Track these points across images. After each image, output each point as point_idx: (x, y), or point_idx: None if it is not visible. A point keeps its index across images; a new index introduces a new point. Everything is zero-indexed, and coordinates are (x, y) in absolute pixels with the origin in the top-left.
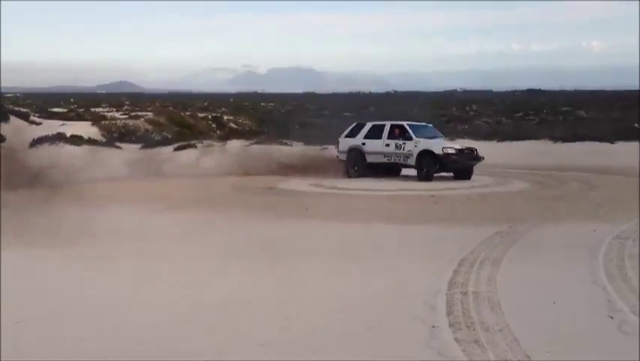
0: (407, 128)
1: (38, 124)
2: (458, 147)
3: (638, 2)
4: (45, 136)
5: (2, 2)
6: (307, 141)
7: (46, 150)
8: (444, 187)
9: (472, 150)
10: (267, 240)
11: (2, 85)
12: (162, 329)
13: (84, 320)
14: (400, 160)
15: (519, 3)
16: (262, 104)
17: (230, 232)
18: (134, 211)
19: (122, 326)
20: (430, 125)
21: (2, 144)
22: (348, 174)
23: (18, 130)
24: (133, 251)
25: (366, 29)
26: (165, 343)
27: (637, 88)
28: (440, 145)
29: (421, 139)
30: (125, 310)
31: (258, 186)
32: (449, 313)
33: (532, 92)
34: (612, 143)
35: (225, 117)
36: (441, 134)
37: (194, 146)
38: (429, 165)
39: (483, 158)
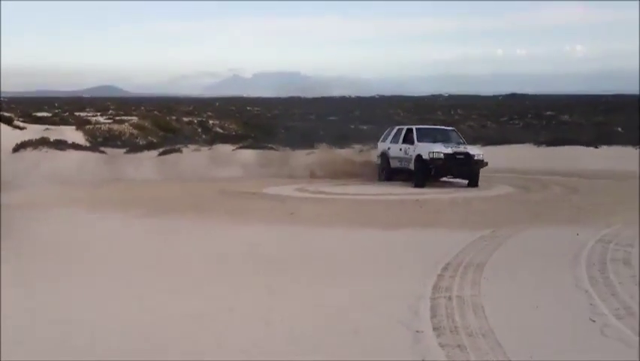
0: (414, 131)
1: (22, 129)
2: (448, 151)
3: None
4: (28, 140)
5: None
6: (294, 146)
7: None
8: (432, 192)
9: (466, 155)
10: (251, 245)
11: None
12: (141, 338)
13: (60, 329)
14: (407, 165)
15: (503, 8)
16: (248, 108)
17: (213, 237)
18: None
19: (99, 335)
20: (451, 128)
21: None
22: (379, 178)
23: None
24: (110, 259)
25: (351, 34)
26: (145, 352)
27: (619, 92)
28: (430, 150)
29: (420, 143)
30: (104, 319)
31: (242, 191)
32: (433, 317)
33: (516, 97)
34: (596, 147)
35: (211, 122)
36: (459, 140)
37: (179, 150)
38: (418, 171)
39: (486, 163)
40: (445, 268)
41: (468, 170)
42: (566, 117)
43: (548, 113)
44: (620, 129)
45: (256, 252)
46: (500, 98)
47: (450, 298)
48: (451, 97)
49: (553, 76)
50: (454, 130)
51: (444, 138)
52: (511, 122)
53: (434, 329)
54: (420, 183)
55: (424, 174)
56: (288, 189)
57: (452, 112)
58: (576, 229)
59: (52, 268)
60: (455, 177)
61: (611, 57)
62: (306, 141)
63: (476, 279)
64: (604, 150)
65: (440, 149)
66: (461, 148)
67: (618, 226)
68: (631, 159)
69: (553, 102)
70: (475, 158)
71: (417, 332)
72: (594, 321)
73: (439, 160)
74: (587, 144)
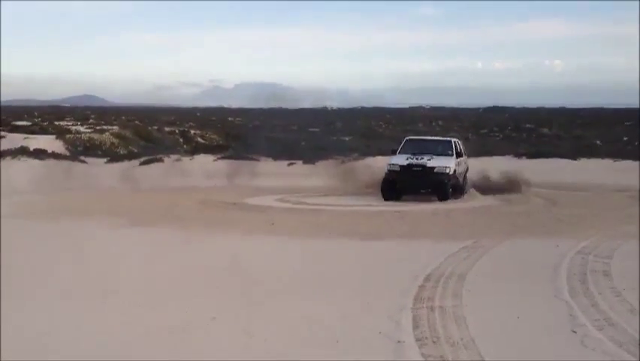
0: (402, 143)
1: (1, 137)
2: (404, 162)
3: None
4: (7, 150)
5: None
6: (275, 156)
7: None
8: (410, 204)
9: (423, 167)
10: (232, 256)
11: None
12: (122, 351)
13: (40, 342)
14: None
15: (483, 22)
16: (229, 118)
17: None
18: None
19: (80, 347)
20: (447, 139)
21: None
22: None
23: None
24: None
25: (332, 46)
26: None
27: (596, 106)
28: (390, 161)
29: (396, 155)
30: (83, 331)
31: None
32: (415, 327)
33: (496, 109)
34: (575, 160)
35: (192, 132)
36: (447, 151)
37: (160, 160)
38: (382, 183)
39: (457, 176)
40: (427, 279)
41: (430, 183)
42: (545, 130)
43: (528, 125)
44: (598, 142)
45: (236, 263)
46: (481, 110)
47: (432, 308)
48: (433, 108)
49: (533, 89)
50: (449, 141)
51: (430, 149)
52: (491, 134)
53: (417, 339)
54: (385, 196)
55: (387, 186)
56: (268, 200)
57: (433, 123)
58: (556, 240)
59: (30, 280)
60: (419, 191)
61: (588, 71)
62: (287, 151)
63: (458, 290)
64: (583, 162)
65: (398, 160)
66: (422, 160)
67: (597, 238)
68: (610, 171)
69: (532, 115)
70: (436, 170)
71: (398, 342)
72: (575, 332)
73: (394, 172)
74: (567, 157)
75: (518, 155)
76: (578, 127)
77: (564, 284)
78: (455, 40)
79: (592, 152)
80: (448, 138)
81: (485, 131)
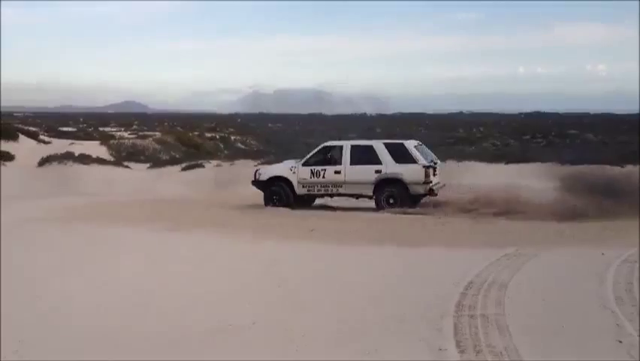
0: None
1: (47, 143)
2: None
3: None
4: (54, 155)
5: (12, 23)
6: None
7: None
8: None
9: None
10: (270, 261)
11: (12, 105)
12: (161, 352)
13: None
14: None
15: (523, 27)
16: (269, 124)
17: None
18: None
19: (118, 344)
20: (369, 144)
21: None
22: None
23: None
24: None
25: (370, 53)
26: None
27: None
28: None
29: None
30: (125, 328)
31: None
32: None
33: (538, 115)
34: (622, 167)
35: (232, 137)
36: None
37: (202, 165)
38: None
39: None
40: (467, 287)
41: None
42: (590, 136)
43: (572, 131)
44: None
45: (275, 268)
46: (522, 116)
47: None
48: (473, 115)
49: (577, 95)
50: (370, 146)
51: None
52: (534, 140)
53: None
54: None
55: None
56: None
57: (474, 129)
58: (602, 248)
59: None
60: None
61: (633, 76)
62: None
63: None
64: (629, 169)
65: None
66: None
67: None
68: None
69: (576, 121)
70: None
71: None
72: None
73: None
74: (613, 163)
75: (562, 161)
76: (623, 133)
77: (610, 293)
78: (496, 45)
79: (638, 158)
80: (370, 143)
81: (528, 137)
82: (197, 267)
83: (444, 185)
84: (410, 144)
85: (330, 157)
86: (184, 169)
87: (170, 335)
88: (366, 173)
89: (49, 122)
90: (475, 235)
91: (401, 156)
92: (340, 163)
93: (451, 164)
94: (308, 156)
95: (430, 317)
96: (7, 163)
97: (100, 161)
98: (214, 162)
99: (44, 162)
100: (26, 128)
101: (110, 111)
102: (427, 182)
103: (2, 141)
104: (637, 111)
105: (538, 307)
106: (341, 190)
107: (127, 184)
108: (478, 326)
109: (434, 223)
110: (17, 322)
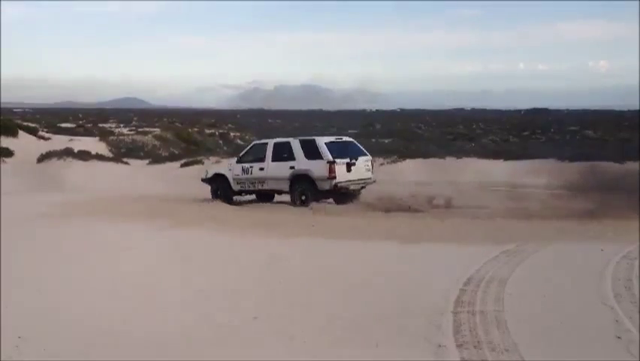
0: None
1: (47, 139)
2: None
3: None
4: (53, 151)
5: (13, 19)
6: None
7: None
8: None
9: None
10: (270, 258)
11: (12, 101)
12: (163, 348)
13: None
14: None
15: (524, 23)
16: (269, 120)
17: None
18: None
19: (121, 343)
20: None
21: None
22: None
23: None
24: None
25: (371, 48)
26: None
27: None
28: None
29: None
30: (129, 327)
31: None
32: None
33: (538, 112)
34: (621, 163)
35: (232, 134)
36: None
37: (200, 162)
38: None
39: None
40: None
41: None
42: (590, 132)
43: (572, 128)
44: None
45: (276, 264)
46: (522, 112)
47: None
48: (473, 111)
49: (577, 91)
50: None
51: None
52: (533, 136)
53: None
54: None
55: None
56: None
57: (474, 126)
58: (601, 244)
59: (73, 272)
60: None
61: (634, 73)
62: None
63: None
64: (629, 165)
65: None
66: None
67: None
68: None
69: (576, 117)
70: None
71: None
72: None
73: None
74: (613, 160)
75: (562, 158)
76: (623, 130)
77: (609, 289)
78: (497, 42)
79: (638, 155)
80: (288, 140)
81: (527, 133)
82: (196, 263)
83: (373, 181)
84: (321, 141)
85: (257, 154)
86: (183, 165)
87: (171, 329)
88: (283, 169)
89: (48, 119)
90: (475, 231)
91: (312, 152)
92: (264, 160)
93: (450, 160)
94: (241, 154)
95: (430, 313)
96: (7, 159)
97: (99, 157)
98: (213, 159)
99: (44, 158)
100: (26, 124)
101: (110, 107)
102: (331, 177)
103: (2, 137)
104: (637, 108)
105: (537, 303)
106: (265, 186)
107: (126, 180)
108: (477, 322)
109: (433, 220)
110: (17, 318)
